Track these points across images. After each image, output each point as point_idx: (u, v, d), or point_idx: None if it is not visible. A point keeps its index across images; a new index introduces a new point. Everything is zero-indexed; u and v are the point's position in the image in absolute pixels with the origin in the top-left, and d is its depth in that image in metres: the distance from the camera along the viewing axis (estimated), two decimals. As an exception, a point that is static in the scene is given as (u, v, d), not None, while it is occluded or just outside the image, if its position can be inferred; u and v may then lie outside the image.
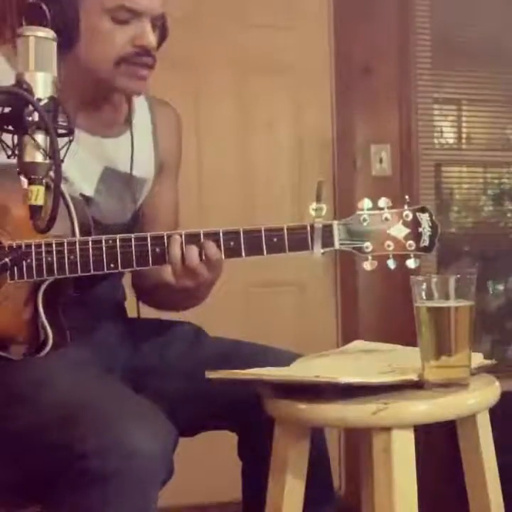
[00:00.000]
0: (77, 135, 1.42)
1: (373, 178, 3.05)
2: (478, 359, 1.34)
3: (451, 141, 3.38)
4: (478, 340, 3.19)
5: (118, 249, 1.35)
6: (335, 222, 1.39)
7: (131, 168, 1.53)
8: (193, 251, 1.37)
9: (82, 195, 1.44)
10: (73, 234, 1.36)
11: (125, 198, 1.53)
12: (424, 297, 1.24)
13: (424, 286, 1.24)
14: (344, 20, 3.03)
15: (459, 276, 1.24)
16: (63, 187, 1.35)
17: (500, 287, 3.35)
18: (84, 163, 1.46)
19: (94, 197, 1.48)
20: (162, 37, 1.49)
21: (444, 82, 3.19)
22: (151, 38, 1.42)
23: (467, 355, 1.24)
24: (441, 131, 3.31)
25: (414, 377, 1.24)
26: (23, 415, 1.29)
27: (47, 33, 1.10)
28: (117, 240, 1.35)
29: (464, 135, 3.37)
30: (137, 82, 1.45)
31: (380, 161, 3.05)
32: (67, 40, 1.36)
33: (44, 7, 1.20)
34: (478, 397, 1.26)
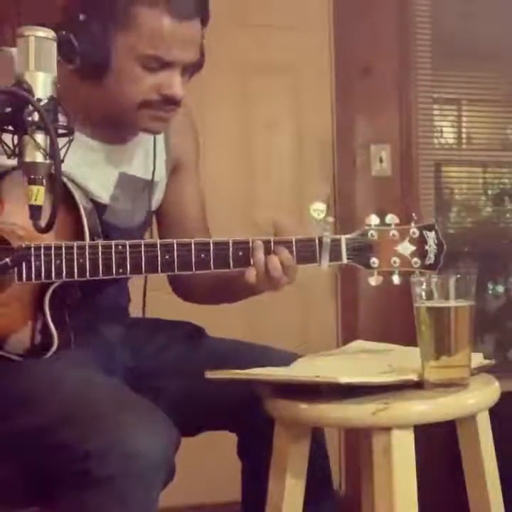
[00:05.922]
0: (93, 144, 1.44)
1: (373, 178, 3.05)
2: (478, 359, 1.34)
3: (451, 141, 3.37)
4: (478, 341, 3.19)
5: (127, 254, 1.36)
6: (343, 237, 1.41)
7: (153, 173, 1.53)
8: (275, 259, 1.38)
9: (93, 201, 1.44)
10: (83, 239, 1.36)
11: (138, 202, 1.53)
12: (424, 297, 1.24)
13: (424, 286, 1.24)
14: (344, 20, 3.03)
15: (459, 276, 1.24)
16: (76, 194, 1.36)
17: (500, 287, 3.35)
18: (100, 171, 1.47)
19: (110, 203, 1.48)
20: (197, 68, 1.47)
21: (444, 82, 3.19)
22: (178, 89, 1.39)
23: (467, 355, 1.24)
24: (441, 131, 3.31)
25: (414, 377, 1.24)
26: (25, 416, 1.29)
27: (47, 33, 1.10)
28: (127, 246, 1.36)
29: (463, 135, 3.37)
30: (158, 124, 1.44)
31: (380, 160, 3.06)
32: (96, 72, 1.36)
33: (73, 40, 1.21)
34: (478, 397, 1.27)
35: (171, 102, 1.41)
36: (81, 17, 1.32)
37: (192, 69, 1.44)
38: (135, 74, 1.37)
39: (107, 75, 1.37)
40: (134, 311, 1.63)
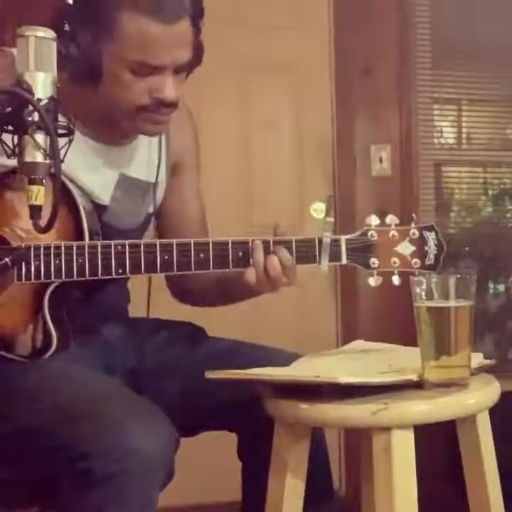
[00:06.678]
0: (93, 145, 1.44)
1: (373, 178, 3.06)
2: (478, 359, 1.34)
3: (451, 141, 3.38)
4: (478, 341, 3.19)
5: (127, 254, 1.36)
6: (343, 237, 1.41)
7: (157, 175, 1.53)
8: (275, 259, 1.38)
9: (94, 203, 1.45)
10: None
11: (138, 203, 1.53)
12: (424, 297, 1.24)
13: (424, 286, 1.24)
14: (344, 20, 3.03)
15: (459, 276, 1.24)
16: (76, 195, 1.36)
17: (500, 287, 3.35)
18: (100, 172, 1.47)
19: (110, 205, 1.48)
20: (194, 65, 1.45)
21: (444, 82, 3.19)
22: (169, 92, 1.38)
23: (467, 355, 1.24)
24: (441, 131, 3.31)
25: (414, 377, 1.24)
26: (25, 416, 1.29)
27: (47, 33, 1.10)
28: (126, 246, 1.36)
29: (464, 135, 3.37)
30: (156, 127, 1.44)
31: (380, 160, 3.06)
32: (89, 79, 1.36)
33: (62, 49, 1.21)
34: (478, 397, 1.26)
35: (165, 105, 1.40)
36: (66, 26, 1.32)
37: (187, 68, 1.42)
38: (125, 80, 1.36)
39: (101, 81, 1.37)
40: (138, 311, 1.62)
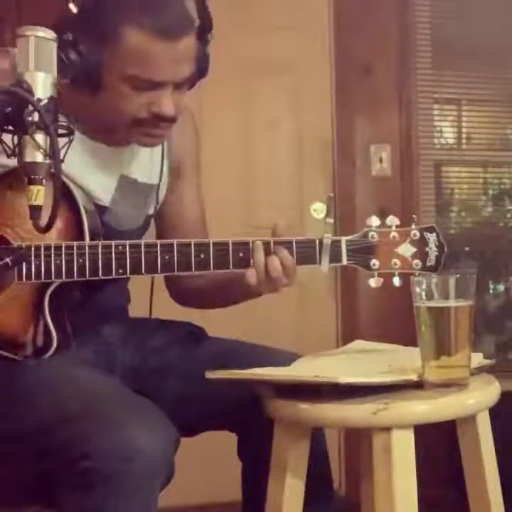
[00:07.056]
0: (95, 146, 1.44)
1: (373, 178, 3.06)
2: (478, 359, 1.34)
3: (451, 141, 3.38)
4: (478, 341, 3.19)
5: (127, 254, 1.36)
6: (343, 239, 1.41)
7: (160, 178, 1.53)
8: (275, 259, 1.38)
9: (96, 204, 1.45)
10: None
11: (139, 205, 1.54)
12: (424, 297, 1.24)
13: (424, 286, 1.24)
14: (344, 20, 3.03)
15: (459, 276, 1.24)
16: (77, 195, 1.36)
17: (500, 287, 3.35)
18: (101, 173, 1.47)
19: (110, 206, 1.48)
20: (195, 80, 1.45)
21: (444, 82, 3.19)
22: (167, 108, 1.38)
23: (467, 355, 1.24)
24: (441, 131, 3.32)
25: (414, 377, 1.24)
26: (25, 416, 1.29)
27: (47, 33, 1.10)
28: (127, 246, 1.36)
29: (464, 135, 3.37)
30: (153, 140, 1.45)
31: (380, 161, 3.06)
32: (89, 86, 1.36)
33: (63, 57, 1.22)
34: (478, 397, 1.27)
35: (163, 120, 1.40)
36: (69, 36, 1.31)
37: (188, 82, 1.42)
38: (125, 93, 1.36)
39: (100, 91, 1.37)
40: (139, 311, 1.63)
